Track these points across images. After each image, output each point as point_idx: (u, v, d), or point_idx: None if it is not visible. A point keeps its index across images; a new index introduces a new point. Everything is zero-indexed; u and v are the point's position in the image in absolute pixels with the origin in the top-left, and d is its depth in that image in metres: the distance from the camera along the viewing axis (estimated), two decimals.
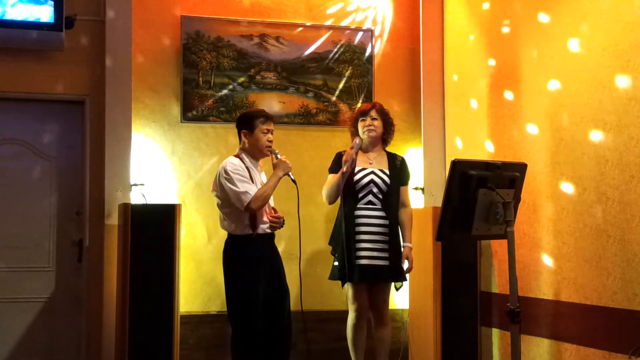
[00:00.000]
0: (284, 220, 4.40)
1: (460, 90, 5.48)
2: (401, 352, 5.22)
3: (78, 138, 5.13)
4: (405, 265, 4.56)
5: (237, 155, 4.35)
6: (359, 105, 5.47)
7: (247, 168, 4.29)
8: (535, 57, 4.61)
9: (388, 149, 4.79)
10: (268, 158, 4.40)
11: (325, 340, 5.27)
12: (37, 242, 5.04)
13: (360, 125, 4.68)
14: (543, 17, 4.54)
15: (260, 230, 4.26)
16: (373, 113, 4.68)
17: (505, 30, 4.95)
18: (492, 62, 5.09)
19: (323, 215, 5.40)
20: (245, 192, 4.15)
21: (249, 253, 4.24)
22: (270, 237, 4.37)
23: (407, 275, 4.63)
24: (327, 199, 4.63)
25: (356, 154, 4.56)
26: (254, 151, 4.35)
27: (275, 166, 4.29)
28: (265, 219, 4.30)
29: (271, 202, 4.39)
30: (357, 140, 4.60)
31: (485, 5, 5.19)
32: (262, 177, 4.41)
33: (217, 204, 4.35)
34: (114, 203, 4.92)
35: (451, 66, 5.60)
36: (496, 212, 3.31)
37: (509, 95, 4.88)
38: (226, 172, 4.21)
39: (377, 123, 4.67)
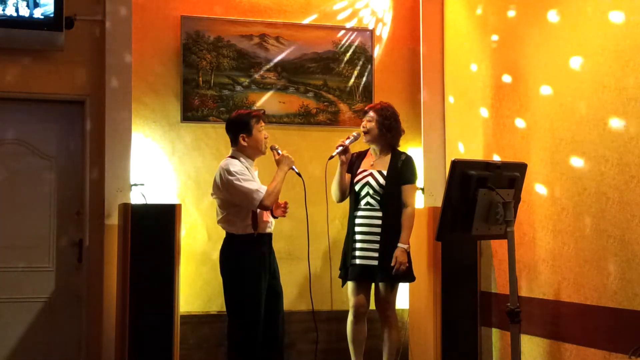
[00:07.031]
0: (286, 204, 4.44)
1: (460, 90, 5.47)
2: (401, 352, 5.21)
3: (78, 138, 5.13)
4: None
5: (233, 157, 4.34)
6: (358, 105, 5.55)
7: (247, 168, 4.32)
8: (535, 56, 4.61)
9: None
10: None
11: (326, 340, 5.27)
12: (37, 242, 5.04)
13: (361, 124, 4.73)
14: (543, 17, 4.54)
15: (261, 230, 4.29)
16: (370, 113, 4.66)
17: (505, 30, 4.95)
18: (492, 61, 5.09)
19: (323, 216, 5.38)
20: (257, 190, 4.20)
21: (251, 252, 4.28)
22: (270, 237, 4.40)
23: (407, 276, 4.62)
24: (333, 196, 4.68)
25: (349, 143, 4.59)
26: (251, 151, 4.37)
27: (278, 162, 4.36)
28: (265, 219, 4.33)
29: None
30: (354, 133, 4.66)
31: (485, 5, 5.19)
32: (255, 176, 4.41)
33: (218, 205, 4.35)
34: (114, 203, 4.92)
35: (451, 66, 5.60)
36: (496, 212, 3.31)
37: (509, 95, 4.88)
38: (230, 172, 4.21)
39: (370, 124, 4.62)
